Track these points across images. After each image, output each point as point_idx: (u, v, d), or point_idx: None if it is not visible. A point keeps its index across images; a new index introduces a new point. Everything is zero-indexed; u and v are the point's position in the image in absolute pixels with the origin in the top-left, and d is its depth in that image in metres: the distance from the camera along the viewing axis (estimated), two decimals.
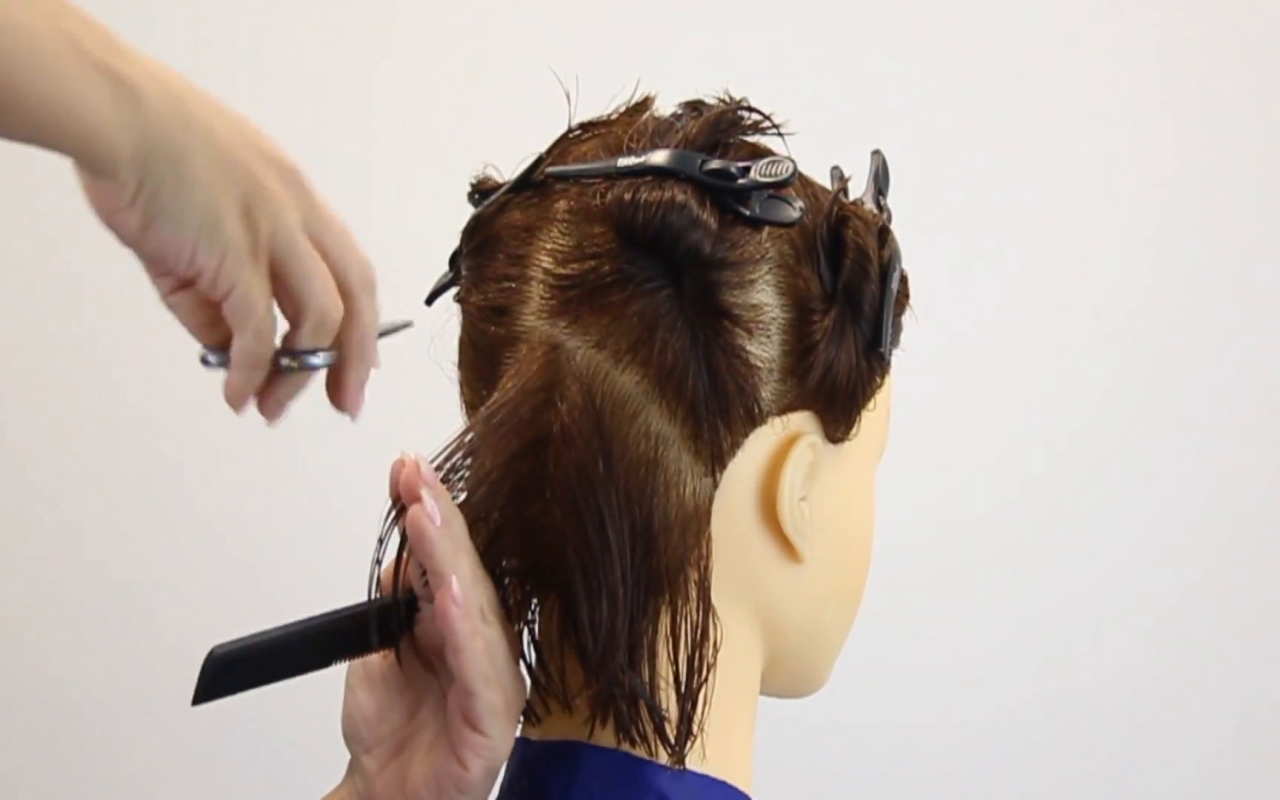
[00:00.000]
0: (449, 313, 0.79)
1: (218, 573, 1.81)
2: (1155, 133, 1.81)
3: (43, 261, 1.82)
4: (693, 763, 0.74)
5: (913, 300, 0.81)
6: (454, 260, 0.80)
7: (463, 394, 0.78)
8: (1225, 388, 1.82)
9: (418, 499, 0.70)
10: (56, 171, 0.65)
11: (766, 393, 0.73)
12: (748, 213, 0.72)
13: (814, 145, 0.79)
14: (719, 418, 0.72)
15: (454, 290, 0.80)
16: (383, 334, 0.74)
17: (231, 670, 0.69)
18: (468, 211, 0.79)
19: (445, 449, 0.73)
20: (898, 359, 0.80)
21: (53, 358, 1.83)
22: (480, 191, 0.79)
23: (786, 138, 0.77)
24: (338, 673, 0.76)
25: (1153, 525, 1.83)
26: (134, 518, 1.83)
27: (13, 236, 1.82)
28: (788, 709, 0.86)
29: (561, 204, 0.74)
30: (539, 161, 0.77)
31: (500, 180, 0.78)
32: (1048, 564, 1.83)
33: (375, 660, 0.75)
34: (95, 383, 1.83)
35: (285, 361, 0.69)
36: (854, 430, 0.77)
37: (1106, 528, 1.83)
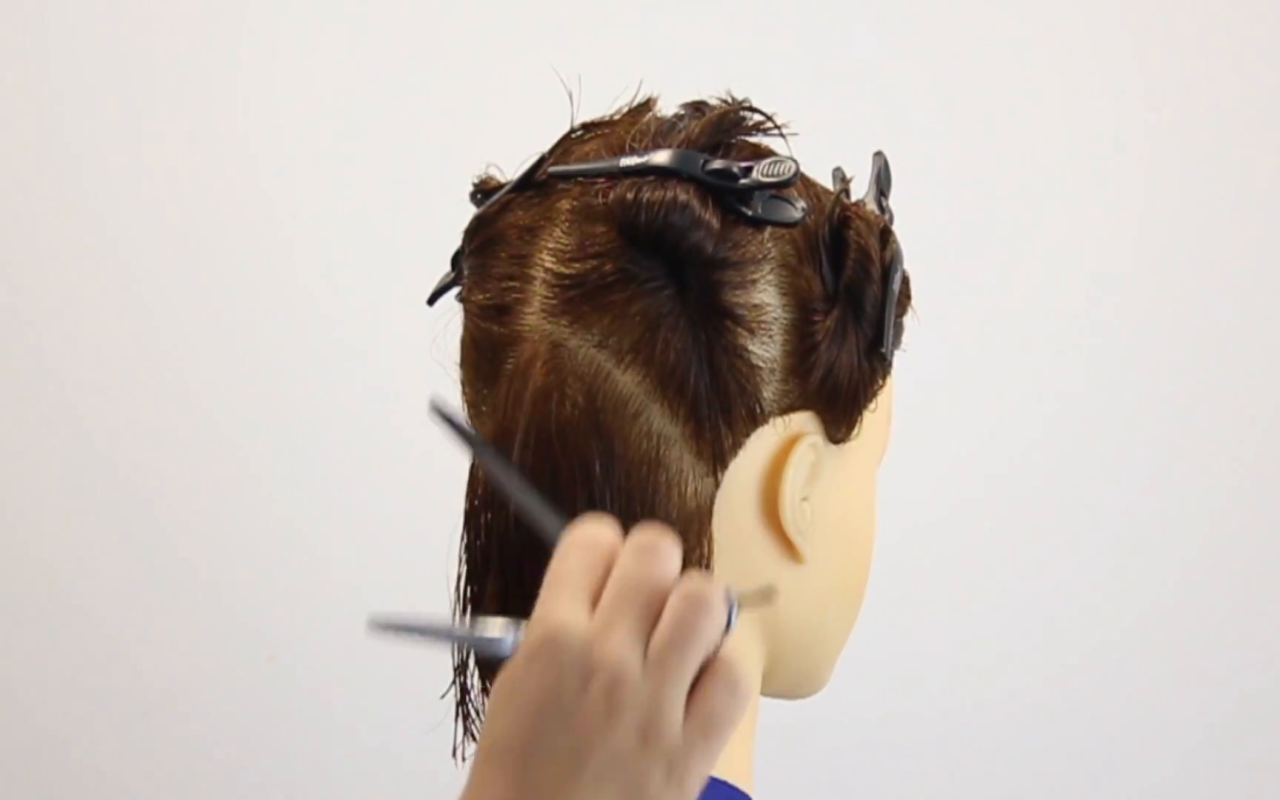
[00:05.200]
0: (451, 312, 0.79)
1: (227, 574, 1.81)
2: (1159, 137, 1.81)
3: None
4: None
5: (914, 301, 0.81)
6: (456, 260, 0.80)
7: (464, 393, 0.78)
8: (1220, 391, 1.82)
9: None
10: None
11: (768, 393, 0.73)
12: (750, 213, 0.72)
13: (816, 146, 0.79)
14: (721, 417, 0.72)
15: (456, 290, 0.80)
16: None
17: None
18: (470, 211, 0.79)
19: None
20: (898, 360, 0.80)
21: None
22: (482, 191, 0.79)
23: (789, 138, 0.77)
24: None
25: (1149, 523, 1.83)
26: (135, 521, 1.83)
27: None
28: (788, 709, 0.86)
29: (564, 203, 0.74)
30: (541, 161, 0.77)
31: (502, 180, 0.79)
32: (1046, 564, 1.83)
33: None
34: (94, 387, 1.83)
35: None
36: (855, 431, 0.77)
37: (1106, 528, 1.83)
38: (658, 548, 0.58)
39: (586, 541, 0.59)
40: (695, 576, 0.58)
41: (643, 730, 0.56)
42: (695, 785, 0.56)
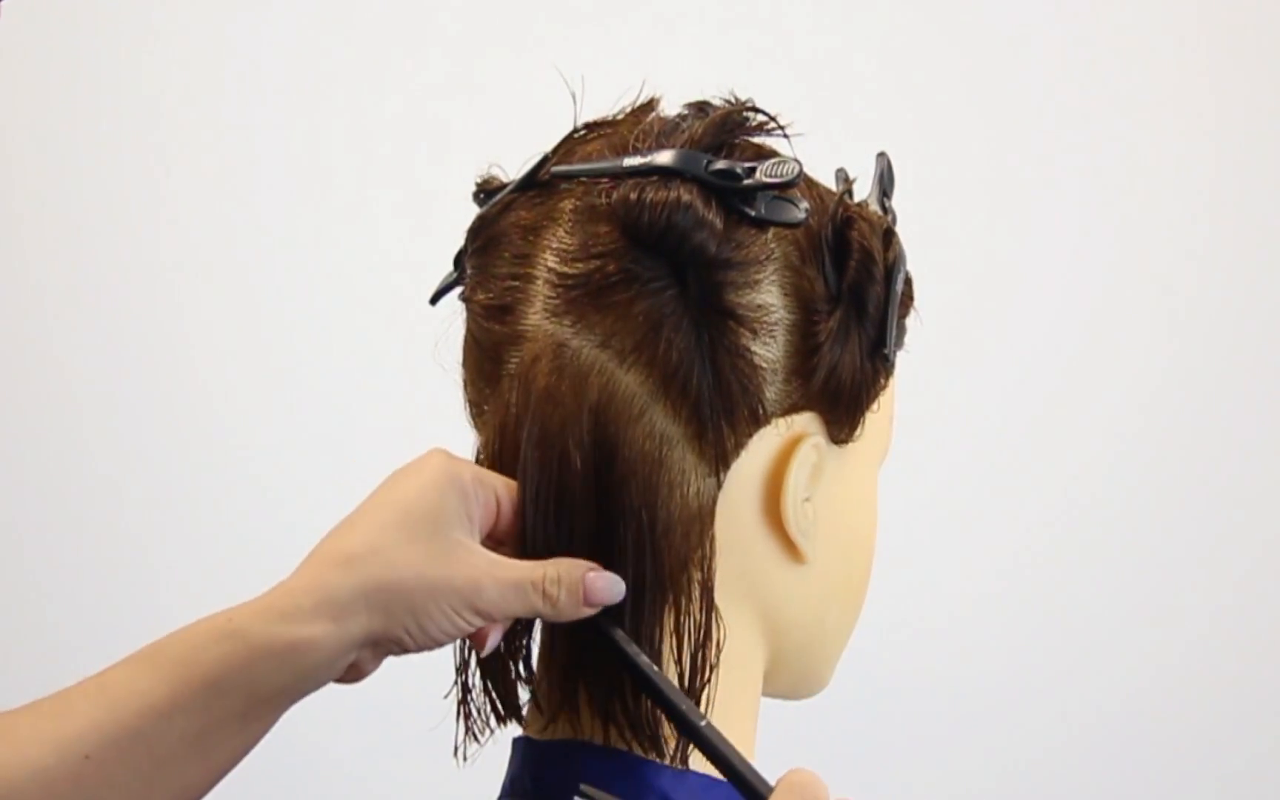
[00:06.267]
0: (455, 313, 0.79)
1: (227, 577, 1.81)
2: (1173, 135, 1.80)
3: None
4: (694, 762, 0.74)
5: (918, 305, 0.81)
6: (459, 259, 0.80)
7: (467, 393, 0.78)
8: (1263, 413, 1.82)
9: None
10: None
11: (771, 393, 0.73)
12: (753, 213, 0.72)
13: (819, 147, 0.79)
14: (723, 418, 0.72)
15: (459, 290, 0.80)
16: None
17: None
18: (473, 211, 0.79)
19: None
20: (909, 365, 0.80)
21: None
22: (485, 191, 0.79)
23: (792, 139, 0.77)
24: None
25: (1184, 549, 1.82)
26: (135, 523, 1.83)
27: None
28: (788, 709, 0.86)
29: (567, 203, 0.74)
30: (544, 161, 0.77)
31: (505, 180, 0.78)
32: (1047, 562, 1.83)
33: None
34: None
35: None
36: (858, 432, 0.77)
37: (1133, 550, 1.83)
38: None
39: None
40: None
41: None
42: None
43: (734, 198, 0.72)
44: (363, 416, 1.79)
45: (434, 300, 0.81)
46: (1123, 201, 1.81)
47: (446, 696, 0.78)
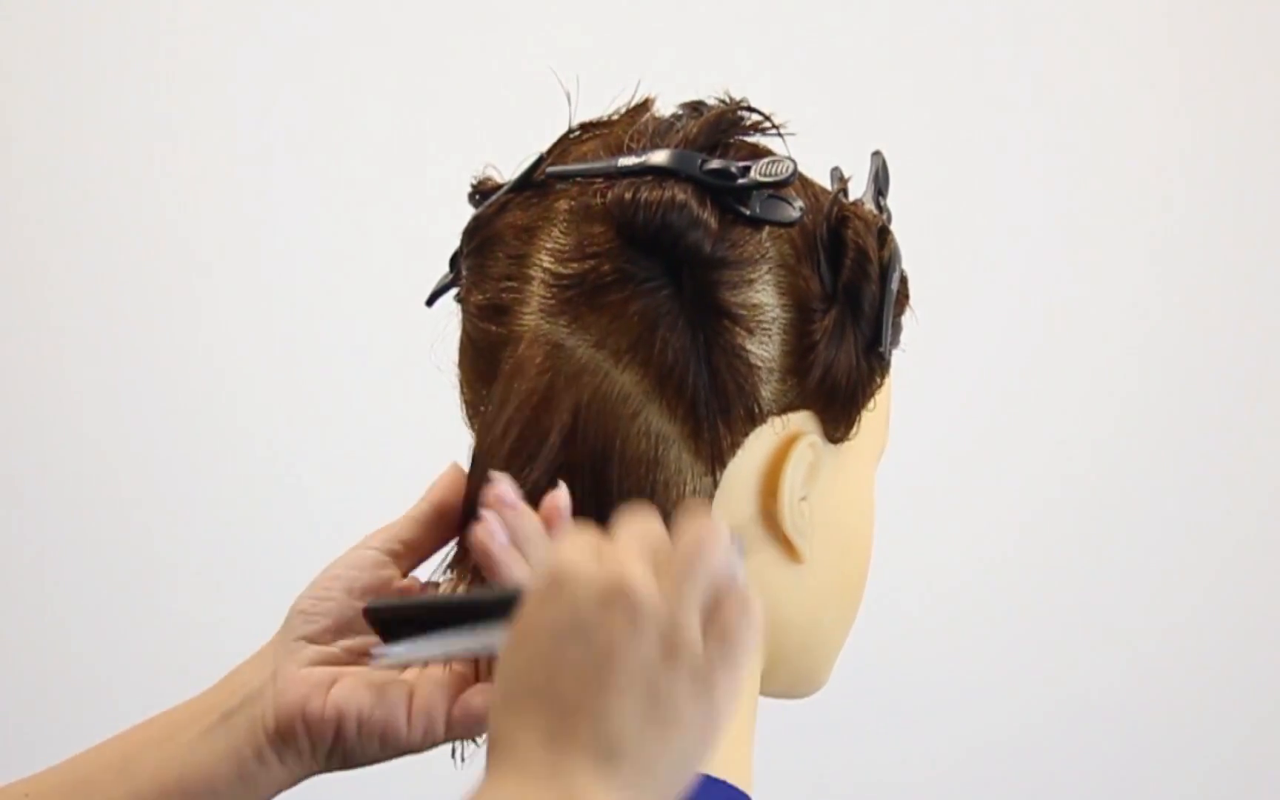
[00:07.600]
0: (450, 314, 0.79)
1: (226, 577, 1.81)
2: (1174, 134, 1.80)
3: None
4: None
5: (913, 303, 0.81)
6: (454, 261, 0.80)
7: (463, 393, 0.78)
8: (1245, 402, 1.82)
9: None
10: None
11: (766, 392, 0.73)
12: (748, 212, 0.72)
13: (814, 146, 0.79)
14: (719, 417, 0.72)
15: (455, 291, 0.80)
16: None
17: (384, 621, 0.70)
18: (468, 212, 0.79)
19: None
20: (904, 363, 0.80)
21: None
22: (481, 192, 0.79)
23: (786, 138, 0.77)
24: None
25: (1164, 538, 1.82)
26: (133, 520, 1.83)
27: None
28: (787, 708, 0.86)
29: (562, 203, 0.74)
30: (539, 161, 0.77)
31: (501, 180, 0.79)
32: (1064, 580, 1.83)
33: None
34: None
35: None
36: (854, 430, 0.77)
37: (1124, 545, 1.82)
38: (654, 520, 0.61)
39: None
40: (699, 514, 0.60)
41: (665, 641, 0.57)
42: (722, 699, 0.58)
43: (729, 197, 0.72)
44: (358, 418, 1.79)
45: (430, 301, 0.81)
46: (1105, 193, 1.81)
47: None
